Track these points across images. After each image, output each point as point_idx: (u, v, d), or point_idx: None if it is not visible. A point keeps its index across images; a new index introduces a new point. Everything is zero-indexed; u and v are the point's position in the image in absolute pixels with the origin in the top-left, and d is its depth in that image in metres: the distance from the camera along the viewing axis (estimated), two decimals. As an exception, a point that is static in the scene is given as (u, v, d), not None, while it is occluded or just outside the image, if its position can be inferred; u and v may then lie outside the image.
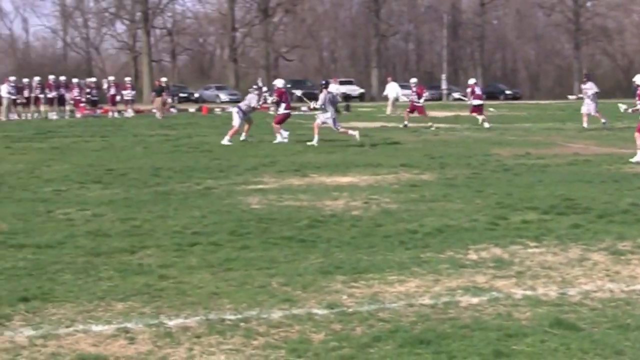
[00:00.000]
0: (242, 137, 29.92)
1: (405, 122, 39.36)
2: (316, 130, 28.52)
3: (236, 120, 29.73)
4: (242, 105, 30.31)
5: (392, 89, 55.75)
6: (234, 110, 30.91)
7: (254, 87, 32.32)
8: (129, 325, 8.11)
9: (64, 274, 10.13)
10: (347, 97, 66.47)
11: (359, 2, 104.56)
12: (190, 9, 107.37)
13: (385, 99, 57.33)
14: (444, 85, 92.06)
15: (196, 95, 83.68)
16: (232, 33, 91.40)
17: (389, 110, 53.90)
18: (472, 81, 43.22)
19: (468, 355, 7.17)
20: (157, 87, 54.80)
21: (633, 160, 22.09)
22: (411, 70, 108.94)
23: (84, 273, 10.18)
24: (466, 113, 44.36)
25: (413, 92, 40.40)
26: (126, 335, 7.80)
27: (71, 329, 8.02)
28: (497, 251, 11.30)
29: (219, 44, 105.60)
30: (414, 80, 42.21)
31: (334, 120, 28.53)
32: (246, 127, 30.10)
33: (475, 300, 8.91)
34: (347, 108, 57.75)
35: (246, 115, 29.90)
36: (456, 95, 66.62)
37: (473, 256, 11.01)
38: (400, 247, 11.54)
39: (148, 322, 8.18)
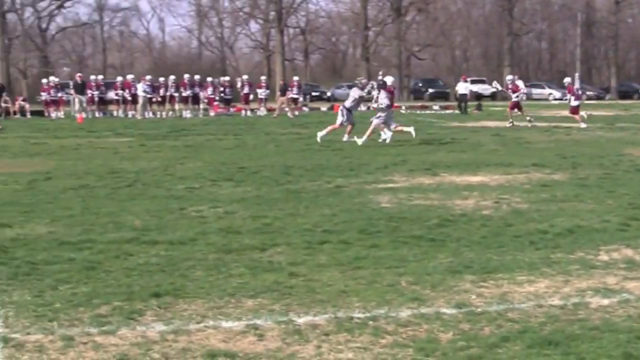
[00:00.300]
0: (345, 139, 29.05)
1: (511, 120, 39.07)
2: (382, 128, 28.56)
3: (340, 119, 29.39)
4: (347, 103, 29.81)
5: (463, 88, 55.27)
6: (340, 108, 30.31)
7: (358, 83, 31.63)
8: (258, 322, 8.19)
9: (196, 271, 10.30)
10: (478, 97, 65.78)
11: (492, 1, 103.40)
12: (323, 8, 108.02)
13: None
14: (577, 85, 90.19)
15: (328, 94, 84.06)
16: (365, 32, 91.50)
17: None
18: (568, 80, 42.55)
19: (597, 357, 7.02)
20: (281, 87, 55.29)
21: None
22: (544, 69, 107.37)
23: (215, 270, 10.33)
24: (598, 112, 43.52)
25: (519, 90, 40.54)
26: (255, 332, 7.88)
27: (201, 324, 8.14)
28: (629, 252, 11.04)
29: (352, 42, 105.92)
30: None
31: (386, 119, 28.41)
32: (349, 128, 29.46)
33: (605, 301, 8.73)
34: (479, 107, 57.24)
35: (351, 113, 29.40)
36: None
37: (604, 257, 10.78)
38: (530, 247, 11.38)
39: (277, 319, 8.25)
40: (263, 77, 59.54)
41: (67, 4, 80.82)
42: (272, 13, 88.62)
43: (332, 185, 17.94)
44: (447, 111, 57.27)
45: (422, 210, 14.57)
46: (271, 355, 7.30)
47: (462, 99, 54.78)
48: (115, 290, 9.34)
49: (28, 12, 75.97)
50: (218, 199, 16.09)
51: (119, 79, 54.37)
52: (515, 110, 39.95)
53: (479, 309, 8.45)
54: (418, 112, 57.09)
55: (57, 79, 53.50)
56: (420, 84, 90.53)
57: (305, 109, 59.33)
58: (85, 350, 7.46)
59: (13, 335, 7.81)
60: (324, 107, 63.42)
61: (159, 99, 51.88)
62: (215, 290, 9.34)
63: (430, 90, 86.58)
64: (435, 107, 52.17)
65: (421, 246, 11.47)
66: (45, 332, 7.92)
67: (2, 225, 13.29)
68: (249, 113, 53.64)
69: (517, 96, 40.21)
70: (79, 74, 55.91)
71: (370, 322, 8.09)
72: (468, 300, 8.79)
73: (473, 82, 73.16)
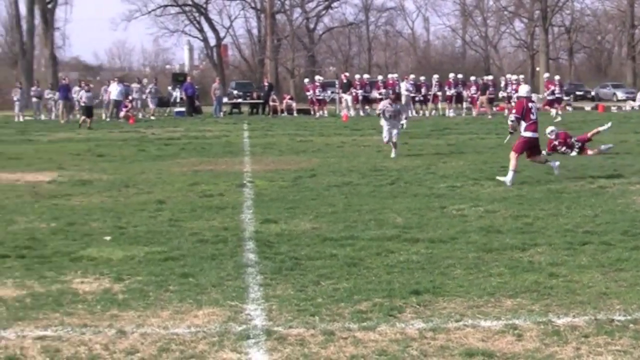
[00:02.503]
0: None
1: None
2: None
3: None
4: None
5: None
6: None
7: None
8: (517, 321, 8.14)
9: (455, 269, 10.34)
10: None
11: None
12: (588, 6, 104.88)
13: None
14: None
15: (592, 93, 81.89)
16: (631, 30, 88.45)
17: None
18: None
19: None
20: (482, 85, 54.17)
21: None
22: None
23: (474, 268, 10.33)
24: None
25: None
26: (514, 332, 7.83)
27: (460, 323, 8.17)
28: None
29: (617, 41, 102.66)
30: None
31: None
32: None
33: None
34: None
35: None
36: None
37: None
38: None
39: (536, 320, 8.18)
40: (557, 77, 58.53)
41: (335, 4, 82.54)
42: (537, 12, 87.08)
43: (594, 185, 17.54)
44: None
45: (692, 212, 14.02)
46: (529, 355, 7.24)
47: None
48: (376, 287, 9.51)
49: (297, 13, 78.18)
50: (479, 197, 16.06)
51: (379, 77, 55.02)
52: None
53: None
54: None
55: (321, 78, 54.73)
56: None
57: (569, 108, 58.06)
58: (345, 345, 7.64)
59: (276, 329, 8.10)
60: (587, 107, 61.87)
61: (421, 97, 52.15)
62: (474, 289, 9.35)
63: None
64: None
65: (689, 250, 11.05)
66: (307, 326, 8.17)
67: (268, 221, 13.79)
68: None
69: None
70: (344, 74, 57.00)
71: (631, 325, 7.90)
72: None
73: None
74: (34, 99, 50.86)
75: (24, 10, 72.42)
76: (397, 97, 26.91)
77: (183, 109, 51.13)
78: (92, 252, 11.55)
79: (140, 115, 48.20)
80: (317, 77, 54.53)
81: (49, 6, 71.32)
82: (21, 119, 47.69)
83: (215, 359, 7.35)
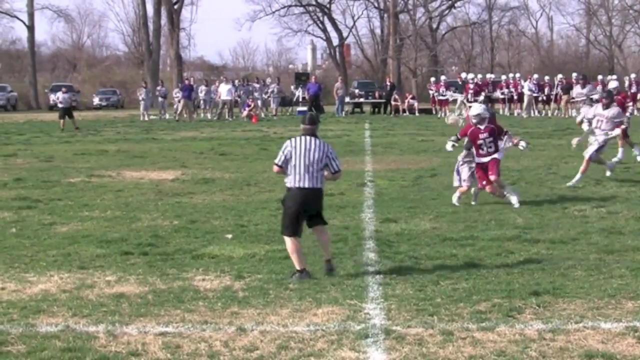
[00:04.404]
0: None
1: None
2: None
3: None
4: None
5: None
6: None
7: None
8: (638, 324, 8.02)
9: (576, 270, 10.21)
10: None
11: None
12: None
13: None
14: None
15: None
16: None
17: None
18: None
19: None
20: None
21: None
22: None
23: (595, 270, 10.19)
24: None
25: None
26: (635, 334, 7.72)
27: (580, 325, 8.08)
28: None
29: None
30: None
31: None
32: None
33: None
34: None
35: None
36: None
37: None
38: None
39: (658, 323, 8.04)
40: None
41: (458, 3, 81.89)
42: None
43: None
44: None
45: None
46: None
47: None
48: (495, 287, 9.47)
49: (419, 12, 77.82)
50: (602, 198, 15.79)
51: (503, 77, 54.49)
52: None
53: None
54: None
55: (445, 78, 54.44)
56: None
57: None
58: (464, 345, 7.63)
59: (395, 328, 8.13)
60: None
61: (544, 97, 51.45)
62: (594, 291, 9.23)
63: None
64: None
65: None
66: (426, 325, 8.18)
67: (388, 220, 13.82)
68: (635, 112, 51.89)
69: None
70: (459, 75, 56.59)
71: None
72: None
73: None
74: (159, 99, 51.82)
75: (151, 11, 73.88)
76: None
77: (305, 108, 51.52)
78: (214, 249, 11.76)
79: (262, 115, 48.68)
80: (442, 77, 54.31)
81: (175, 7, 72.55)
82: (146, 118, 48.61)
83: (333, 357, 7.41)
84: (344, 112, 51.92)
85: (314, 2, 77.92)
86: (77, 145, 30.17)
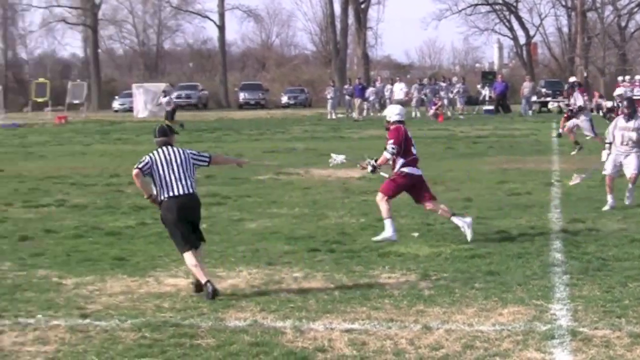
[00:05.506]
0: None
1: None
2: None
3: None
4: None
5: None
6: None
7: None
8: None
9: None
10: None
11: None
12: None
13: None
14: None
15: None
16: None
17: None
18: None
19: None
20: None
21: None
22: None
23: None
24: None
25: None
26: None
27: None
28: None
29: None
30: None
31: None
32: None
33: None
34: None
35: None
36: None
37: None
38: None
39: None
40: None
41: (652, 1, 79.67)
42: None
43: None
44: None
45: None
46: None
47: None
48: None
49: (608, 10, 75.95)
50: None
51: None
52: None
53: None
54: None
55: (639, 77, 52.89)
56: None
57: None
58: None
59: (581, 329, 8.02)
60: None
61: None
62: None
63: None
64: None
65: None
66: (613, 327, 8.04)
67: (575, 220, 13.63)
68: None
69: None
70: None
71: None
72: None
73: None
74: (347, 97, 52.29)
75: (339, 10, 74.70)
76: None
77: (492, 107, 51.10)
78: (400, 247, 11.84)
79: (448, 114, 48.51)
80: (637, 77, 52.85)
81: (362, 6, 73.15)
82: (333, 117, 49.17)
83: (519, 357, 7.38)
84: (531, 112, 51.18)
85: (500, 1, 77.12)
86: (266, 143, 30.80)
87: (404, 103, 48.24)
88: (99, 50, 78.85)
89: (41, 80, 62.48)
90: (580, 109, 25.11)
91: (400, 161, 12.73)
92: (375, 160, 13.03)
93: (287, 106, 66.21)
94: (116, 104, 65.82)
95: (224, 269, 10.95)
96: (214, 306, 9.16)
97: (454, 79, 54.50)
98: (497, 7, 77.90)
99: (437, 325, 8.29)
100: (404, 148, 12.85)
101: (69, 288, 10.03)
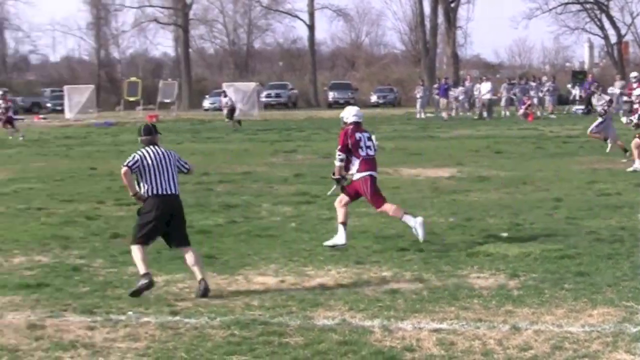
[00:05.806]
0: None
1: None
2: None
3: None
4: None
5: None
6: None
7: None
8: None
9: None
10: None
11: None
12: None
13: None
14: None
15: None
16: None
17: None
18: None
19: None
20: None
21: None
22: None
23: None
24: None
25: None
26: None
27: None
28: None
29: None
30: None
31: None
32: None
33: None
34: None
35: None
36: None
37: None
38: None
39: None
40: None
41: None
42: None
43: None
44: None
45: None
46: None
47: None
48: None
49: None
50: None
51: None
52: None
53: None
54: None
55: None
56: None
57: None
58: None
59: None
60: None
61: None
62: None
63: None
64: None
65: None
66: None
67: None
68: None
69: None
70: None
71: None
72: None
73: None
74: (436, 97, 52.15)
75: (428, 10, 74.57)
76: None
77: (582, 107, 50.51)
78: (489, 247, 11.80)
79: (538, 113, 48.04)
80: None
81: (452, 5, 72.86)
82: (422, 116, 49.09)
83: (608, 359, 7.33)
84: (621, 111, 50.44)
85: (591, 0, 76.10)
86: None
87: (493, 102, 47.96)
88: (190, 50, 79.65)
89: (133, 79, 63.58)
90: None
91: (354, 165, 12.54)
92: (333, 174, 12.76)
93: (376, 105, 66.25)
94: (206, 103, 66.53)
95: (312, 267, 11.05)
96: (302, 305, 9.24)
97: (544, 79, 53.96)
98: (587, 5, 76.85)
99: (526, 325, 8.27)
100: (354, 150, 12.47)
101: (159, 285, 10.20)
